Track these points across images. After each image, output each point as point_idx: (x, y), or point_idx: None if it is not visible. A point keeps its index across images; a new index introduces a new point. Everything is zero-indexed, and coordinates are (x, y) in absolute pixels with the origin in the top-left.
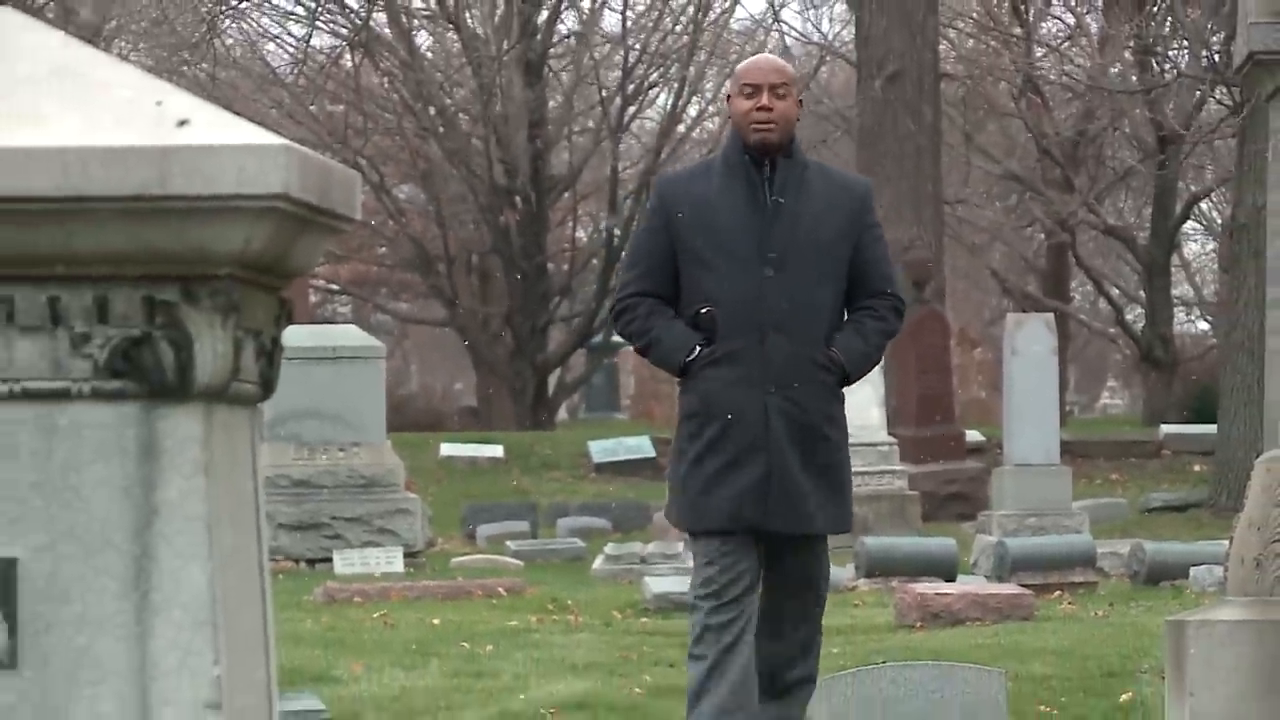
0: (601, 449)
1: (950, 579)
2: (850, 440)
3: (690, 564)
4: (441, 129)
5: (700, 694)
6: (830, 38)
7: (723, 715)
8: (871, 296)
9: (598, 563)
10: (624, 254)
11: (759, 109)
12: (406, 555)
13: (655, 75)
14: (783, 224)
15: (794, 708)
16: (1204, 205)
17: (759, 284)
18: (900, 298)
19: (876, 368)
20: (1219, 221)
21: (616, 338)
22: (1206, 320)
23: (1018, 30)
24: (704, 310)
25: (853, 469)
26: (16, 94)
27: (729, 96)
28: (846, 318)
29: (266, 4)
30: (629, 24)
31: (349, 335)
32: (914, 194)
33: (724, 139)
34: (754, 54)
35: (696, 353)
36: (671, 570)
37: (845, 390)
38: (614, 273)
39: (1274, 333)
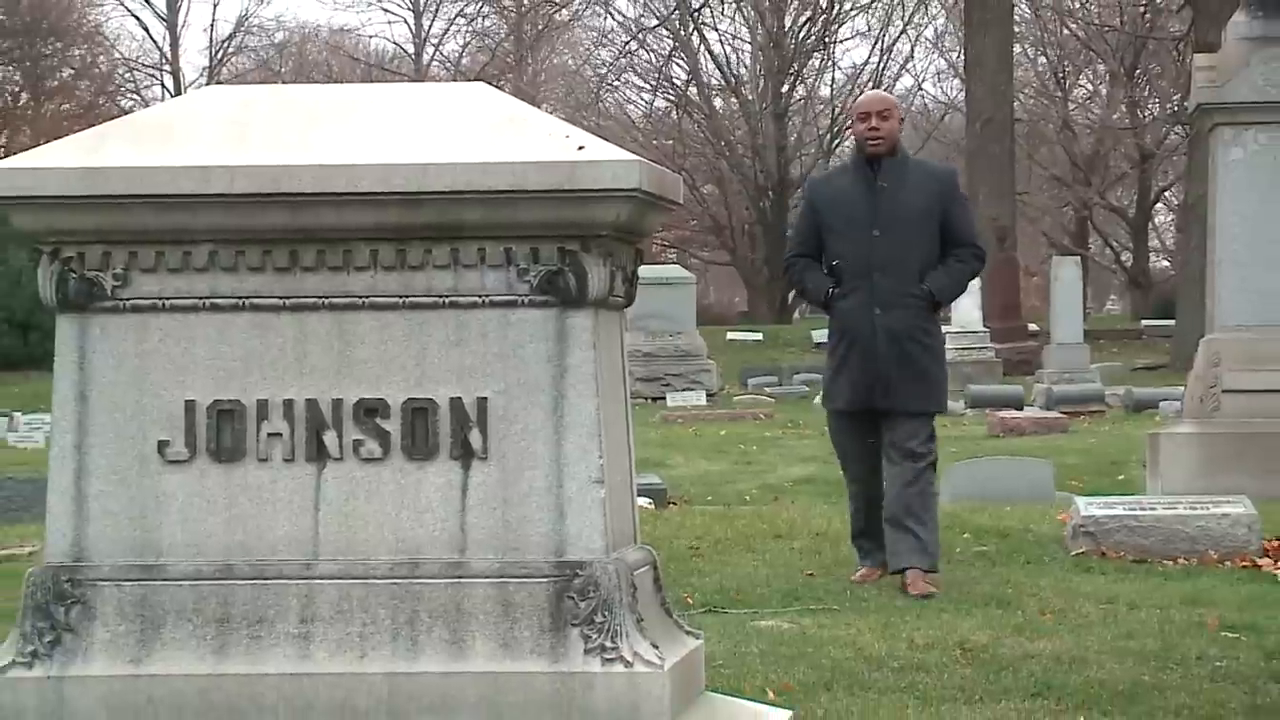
0: (820, 335)
1: (1019, 409)
2: (961, 330)
3: None
4: (727, 153)
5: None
6: (951, 97)
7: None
8: (958, 246)
9: (817, 400)
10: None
11: (870, 129)
12: (707, 396)
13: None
14: (886, 202)
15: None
16: (1168, 194)
17: (869, 242)
18: (979, 246)
19: (975, 288)
20: (1176, 202)
21: None
22: (1168, 260)
23: (1059, 94)
24: (835, 263)
25: (961, 347)
26: (485, 132)
27: (851, 121)
28: (941, 260)
29: (630, 84)
30: (834, 92)
31: (674, 271)
32: (998, 189)
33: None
34: (864, 94)
35: (830, 293)
36: None
37: (955, 303)
38: None
39: (1209, 265)
